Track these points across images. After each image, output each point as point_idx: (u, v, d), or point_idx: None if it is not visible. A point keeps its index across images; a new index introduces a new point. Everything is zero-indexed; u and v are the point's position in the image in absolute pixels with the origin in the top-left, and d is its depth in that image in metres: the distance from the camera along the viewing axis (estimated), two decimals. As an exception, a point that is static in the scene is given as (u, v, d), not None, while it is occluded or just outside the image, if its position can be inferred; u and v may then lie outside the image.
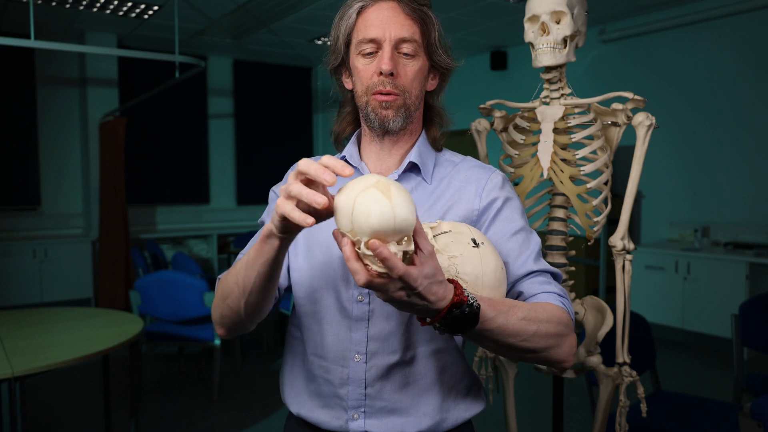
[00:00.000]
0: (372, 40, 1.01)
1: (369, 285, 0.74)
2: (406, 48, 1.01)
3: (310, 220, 0.75)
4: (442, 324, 0.80)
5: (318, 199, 0.74)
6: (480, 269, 0.90)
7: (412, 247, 0.74)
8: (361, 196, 0.72)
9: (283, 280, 1.08)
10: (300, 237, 1.08)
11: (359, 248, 0.73)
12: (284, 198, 0.78)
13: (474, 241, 0.92)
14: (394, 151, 1.09)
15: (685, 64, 5.04)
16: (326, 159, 0.77)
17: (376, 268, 0.72)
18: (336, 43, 1.06)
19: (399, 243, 0.73)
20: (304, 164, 0.76)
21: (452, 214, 1.04)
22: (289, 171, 1.12)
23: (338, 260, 1.03)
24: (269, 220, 1.07)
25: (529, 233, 1.05)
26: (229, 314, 0.98)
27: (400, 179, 1.07)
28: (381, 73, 1.00)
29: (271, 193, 1.16)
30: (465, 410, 1.08)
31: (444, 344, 1.05)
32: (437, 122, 1.13)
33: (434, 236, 0.91)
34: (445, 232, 0.93)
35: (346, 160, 1.10)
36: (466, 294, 0.80)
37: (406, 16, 1.01)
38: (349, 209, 0.72)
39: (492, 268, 0.92)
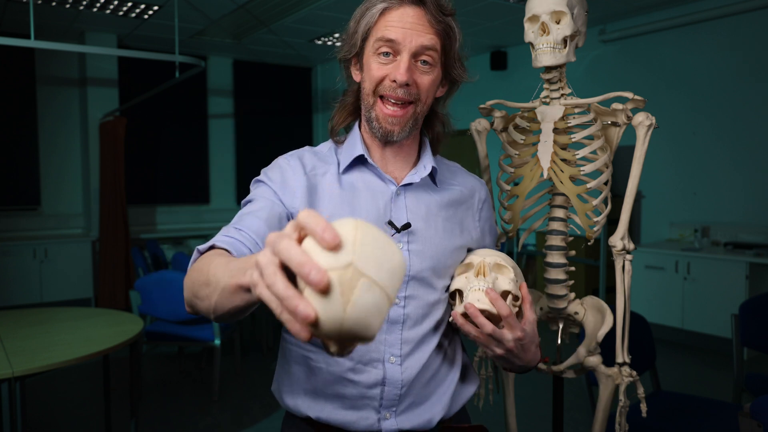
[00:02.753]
0: (390, 41, 0.97)
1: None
2: (425, 57, 0.98)
3: (304, 334, 0.51)
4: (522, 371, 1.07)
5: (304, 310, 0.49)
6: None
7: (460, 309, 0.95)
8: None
9: None
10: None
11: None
12: (272, 272, 0.52)
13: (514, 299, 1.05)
14: (398, 156, 1.08)
15: (685, 64, 5.04)
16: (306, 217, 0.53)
17: (485, 305, 0.90)
18: (353, 35, 1.02)
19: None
20: (304, 216, 0.52)
21: (465, 232, 1.13)
22: (265, 169, 1.07)
23: None
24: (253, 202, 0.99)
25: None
26: (199, 308, 0.82)
27: (415, 186, 1.08)
28: (395, 81, 0.97)
29: (252, 184, 1.07)
30: (464, 390, 1.13)
31: (454, 335, 1.12)
32: (439, 127, 1.12)
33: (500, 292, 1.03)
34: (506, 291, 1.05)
35: (365, 158, 1.04)
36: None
37: (429, 26, 0.98)
38: None
39: None
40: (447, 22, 1.00)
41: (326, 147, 1.11)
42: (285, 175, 1.03)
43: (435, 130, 1.11)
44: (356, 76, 1.06)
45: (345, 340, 0.52)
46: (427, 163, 1.07)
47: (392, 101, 0.99)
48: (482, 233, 1.17)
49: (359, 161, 1.06)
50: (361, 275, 0.50)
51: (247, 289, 0.63)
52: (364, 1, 1.03)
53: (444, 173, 1.13)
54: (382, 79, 0.99)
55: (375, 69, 0.99)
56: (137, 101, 5.60)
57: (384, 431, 1.03)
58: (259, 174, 1.06)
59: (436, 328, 1.06)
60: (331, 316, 0.49)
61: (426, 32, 0.97)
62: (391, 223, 1.02)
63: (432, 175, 1.09)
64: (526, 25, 1.67)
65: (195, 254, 0.89)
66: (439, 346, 1.07)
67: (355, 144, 1.06)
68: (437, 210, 1.07)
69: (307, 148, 1.11)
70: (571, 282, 1.75)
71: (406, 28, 0.97)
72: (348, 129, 1.12)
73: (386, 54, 0.98)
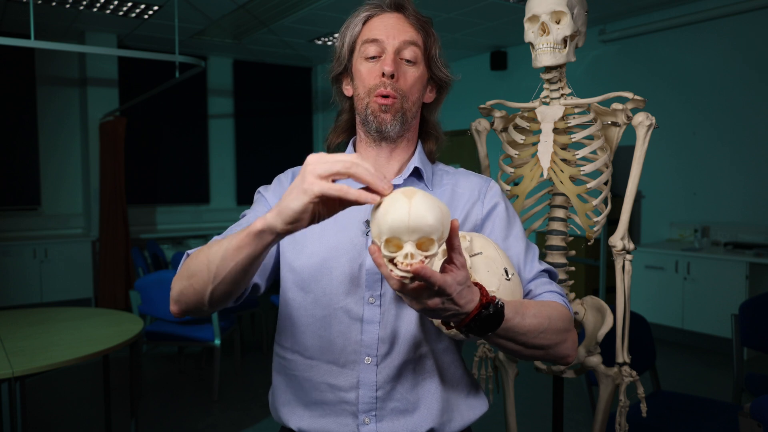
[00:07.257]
0: (375, 41, 1.04)
1: (402, 290, 0.74)
2: (408, 53, 1.04)
3: (370, 196, 0.73)
4: (470, 325, 0.82)
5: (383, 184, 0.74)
6: None
7: (434, 251, 0.73)
8: (386, 200, 0.74)
9: (259, 279, 1.04)
10: (305, 240, 1.06)
11: (383, 251, 0.73)
12: (325, 175, 0.74)
13: (506, 272, 0.95)
14: (392, 158, 1.10)
15: (685, 64, 5.04)
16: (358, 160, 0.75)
17: (398, 272, 0.72)
18: (341, 50, 1.09)
19: (421, 248, 0.72)
20: (358, 159, 0.75)
21: (456, 216, 1.07)
22: (280, 175, 1.16)
23: (346, 262, 1.02)
24: (254, 217, 1.06)
25: (527, 237, 1.12)
26: (190, 294, 0.92)
27: (404, 184, 1.08)
28: (383, 75, 1.02)
29: (256, 195, 1.15)
30: (468, 409, 1.09)
31: (443, 344, 1.06)
32: (433, 136, 1.15)
33: (470, 256, 0.94)
34: (478, 254, 0.95)
35: None
36: (491, 294, 0.84)
37: (410, 25, 1.06)
38: (375, 213, 0.74)
39: (518, 298, 0.97)
40: (425, 23, 1.08)
41: None
42: (278, 188, 1.13)
43: (429, 139, 1.15)
44: (348, 90, 1.12)
45: (413, 231, 0.71)
46: (413, 164, 1.09)
47: (383, 96, 1.04)
48: (490, 217, 1.09)
49: None
50: (417, 190, 0.73)
51: (259, 234, 0.79)
52: (348, 18, 1.10)
53: (441, 177, 1.13)
54: (372, 79, 1.04)
55: (365, 72, 1.05)
56: (137, 101, 5.60)
57: None
58: (259, 179, 1.10)
59: (416, 326, 1.02)
60: (400, 210, 0.71)
61: (408, 30, 1.06)
62: (368, 223, 1.03)
63: (421, 177, 1.10)
64: (526, 25, 1.67)
65: (184, 257, 0.99)
66: (427, 350, 1.03)
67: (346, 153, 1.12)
68: None
69: None
70: (571, 282, 1.75)
71: (388, 29, 1.05)
72: (341, 147, 1.17)
73: (373, 57, 1.05)
